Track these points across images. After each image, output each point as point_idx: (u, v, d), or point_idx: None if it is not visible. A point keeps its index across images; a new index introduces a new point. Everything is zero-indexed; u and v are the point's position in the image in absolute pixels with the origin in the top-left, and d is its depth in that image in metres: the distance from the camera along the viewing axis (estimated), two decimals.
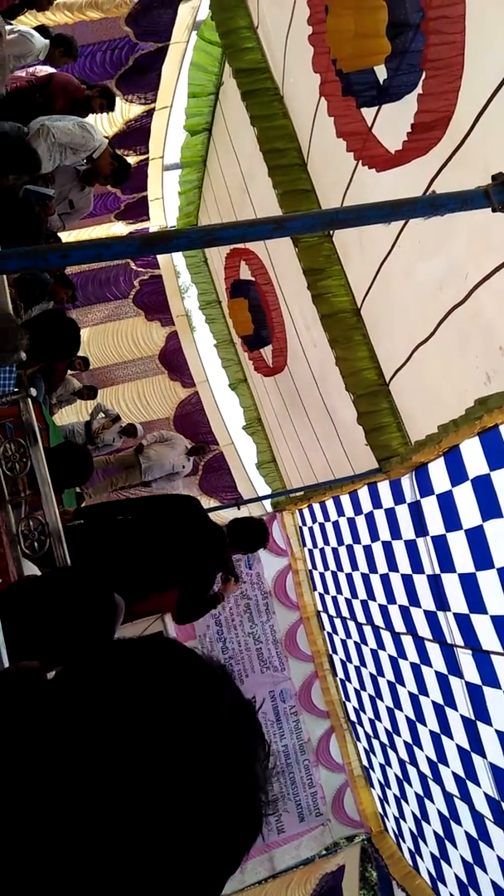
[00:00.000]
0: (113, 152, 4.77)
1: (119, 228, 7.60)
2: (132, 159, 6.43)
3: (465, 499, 3.21)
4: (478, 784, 3.73)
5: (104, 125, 6.17)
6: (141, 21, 5.48)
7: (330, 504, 5.53)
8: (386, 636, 4.79)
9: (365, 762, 6.44)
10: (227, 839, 0.62)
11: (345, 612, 5.81)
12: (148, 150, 6.78)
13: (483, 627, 3.29)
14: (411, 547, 3.97)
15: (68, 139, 4.28)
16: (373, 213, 1.55)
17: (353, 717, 6.47)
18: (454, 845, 4.34)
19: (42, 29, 4.71)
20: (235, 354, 7.87)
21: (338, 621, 6.14)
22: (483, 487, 3.03)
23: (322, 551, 6.19)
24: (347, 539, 5.27)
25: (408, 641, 4.38)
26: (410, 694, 4.54)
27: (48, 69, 4.71)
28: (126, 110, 6.33)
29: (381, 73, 3.00)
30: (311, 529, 6.49)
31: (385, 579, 4.53)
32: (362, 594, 5.14)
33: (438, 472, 3.45)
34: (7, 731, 0.66)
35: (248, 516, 4.71)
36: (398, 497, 4.04)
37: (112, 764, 0.59)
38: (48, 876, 0.55)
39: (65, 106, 4.58)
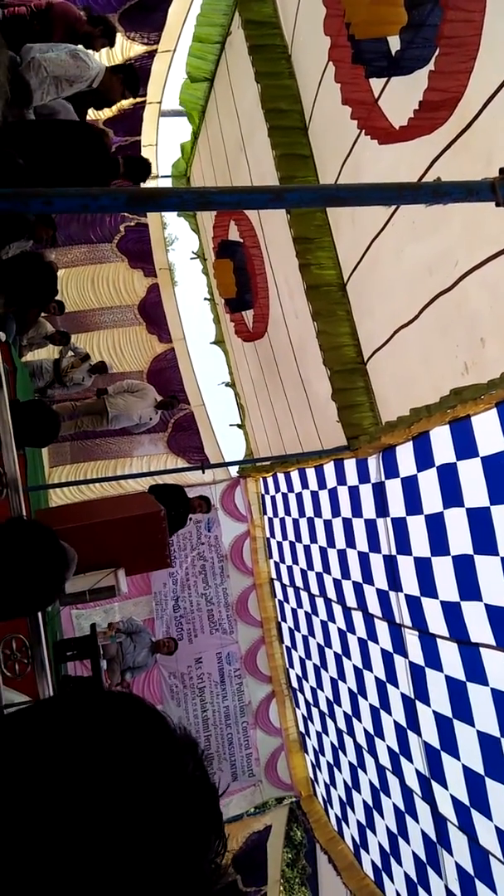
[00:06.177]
0: (113, 69, 4.50)
1: None
2: (128, 102, 6.19)
3: (429, 485, 3.24)
4: (410, 760, 3.85)
5: (102, 62, 5.91)
6: None
7: (295, 476, 5.54)
8: (337, 609, 4.87)
9: (302, 728, 6.59)
10: None
11: (299, 583, 5.88)
12: (146, 94, 6.54)
13: (432, 611, 3.35)
14: (371, 526, 4.01)
15: (62, 71, 4.05)
16: (374, 195, 1.51)
17: (294, 683, 6.59)
18: (381, 815, 4.48)
19: None
20: (218, 315, 7.77)
21: (290, 590, 6.21)
22: (448, 475, 3.06)
23: (282, 521, 6.23)
24: (309, 512, 5.30)
25: (357, 617, 4.45)
26: (355, 667, 4.63)
27: None
28: (127, 48, 6.08)
29: (394, 44, 2.92)
30: (273, 498, 6.51)
31: (342, 555, 4.58)
32: (318, 567, 5.20)
33: (405, 456, 3.47)
34: None
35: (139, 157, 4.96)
36: (363, 476, 4.06)
37: (49, 817, 0.55)
38: None
39: (63, 36, 4.34)
